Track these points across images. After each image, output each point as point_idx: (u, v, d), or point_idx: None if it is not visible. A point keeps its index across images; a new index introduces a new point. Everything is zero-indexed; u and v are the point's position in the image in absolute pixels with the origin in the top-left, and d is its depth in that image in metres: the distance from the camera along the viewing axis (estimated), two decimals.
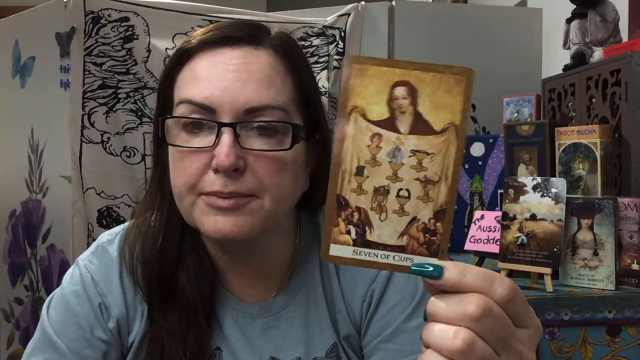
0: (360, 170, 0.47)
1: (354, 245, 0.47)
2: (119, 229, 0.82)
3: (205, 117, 0.69)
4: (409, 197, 0.47)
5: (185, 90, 0.71)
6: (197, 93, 0.69)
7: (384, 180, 0.47)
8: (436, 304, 0.45)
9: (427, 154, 0.46)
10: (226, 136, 0.67)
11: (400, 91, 0.46)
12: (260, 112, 0.69)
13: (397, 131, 0.46)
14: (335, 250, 0.48)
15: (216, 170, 0.68)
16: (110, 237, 0.81)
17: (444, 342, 0.43)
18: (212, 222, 0.69)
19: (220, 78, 0.69)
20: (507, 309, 0.44)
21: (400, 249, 0.47)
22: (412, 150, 0.46)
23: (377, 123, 0.46)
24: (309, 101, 0.75)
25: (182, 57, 0.73)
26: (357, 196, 0.47)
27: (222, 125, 0.67)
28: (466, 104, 0.45)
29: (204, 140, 0.69)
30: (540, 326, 0.47)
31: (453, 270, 0.44)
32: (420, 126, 0.46)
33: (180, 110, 0.71)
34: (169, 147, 0.72)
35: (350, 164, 0.47)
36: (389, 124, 0.46)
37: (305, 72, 0.76)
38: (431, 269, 0.45)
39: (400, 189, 0.47)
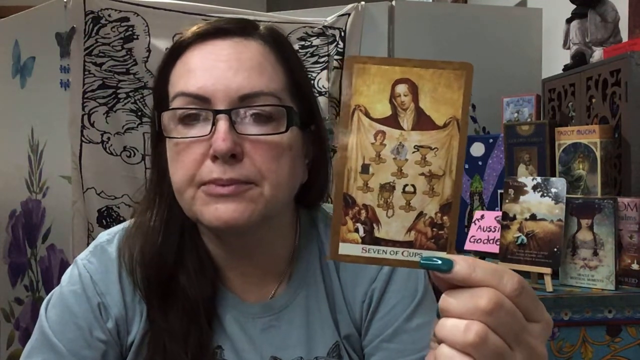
0: (365, 168, 0.47)
1: (362, 242, 0.48)
2: (117, 228, 0.82)
3: (200, 107, 0.69)
4: (414, 193, 0.47)
5: (179, 83, 0.72)
6: (191, 84, 0.70)
7: (390, 176, 0.47)
8: (448, 299, 0.45)
9: (431, 148, 0.47)
10: (222, 123, 0.68)
11: (401, 88, 0.46)
12: (254, 99, 0.69)
13: (400, 128, 0.47)
14: (344, 249, 0.48)
15: (214, 158, 0.68)
16: (109, 237, 0.81)
17: (456, 337, 0.43)
18: (213, 210, 0.69)
19: (213, 68, 0.70)
20: (518, 303, 0.45)
21: (409, 244, 0.47)
22: (415, 145, 0.47)
23: (380, 121, 0.47)
24: (302, 91, 0.76)
25: (174, 53, 0.74)
26: (363, 194, 0.47)
27: (216, 112, 0.68)
28: (466, 98, 0.46)
29: (201, 130, 0.69)
30: (550, 321, 0.47)
31: (463, 264, 0.45)
32: (423, 122, 0.47)
33: (175, 104, 0.71)
34: (167, 143, 0.73)
35: (356, 162, 0.47)
36: (392, 121, 0.47)
37: (296, 63, 0.77)
38: (440, 262, 0.45)
39: (406, 185, 0.47)
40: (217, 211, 0.69)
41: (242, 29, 0.73)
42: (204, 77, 0.70)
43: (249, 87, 0.69)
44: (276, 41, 0.75)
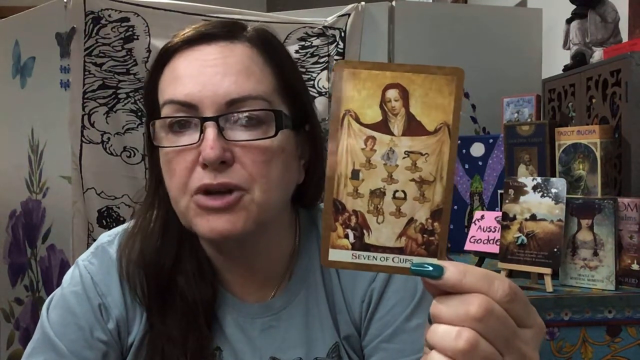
0: (355, 174, 0.47)
1: (352, 249, 0.47)
2: (118, 229, 0.82)
3: (188, 115, 0.69)
4: (405, 199, 0.47)
5: (167, 91, 0.71)
6: (179, 92, 0.70)
7: (380, 182, 0.47)
8: (439, 306, 0.45)
9: (421, 154, 0.46)
10: (210, 130, 0.67)
11: (392, 93, 0.46)
12: (242, 104, 0.69)
13: (391, 133, 0.46)
14: (334, 255, 0.48)
15: (204, 166, 0.68)
16: (110, 238, 0.81)
17: (447, 343, 0.43)
18: (206, 222, 0.69)
19: (199, 74, 0.69)
20: (509, 309, 0.45)
21: (399, 250, 0.47)
22: (406, 151, 0.46)
23: (371, 126, 0.47)
24: (293, 91, 0.75)
25: (162, 60, 0.74)
26: (353, 200, 0.47)
27: (204, 120, 0.68)
28: (457, 103, 0.46)
29: (190, 138, 0.69)
30: (543, 326, 0.47)
31: (453, 270, 0.44)
32: (413, 127, 0.46)
33: (164, 112, 0.71)
34: (160, 152, 0.73)
35: (346, 167, 0.47)
36: (382, 126, 0.46)
37: (286, 62, 0.76)
38: (431, 269, 0.45)
39: (396, 191, 0.47)
40: (209, 223, 0.69)
41: (228, 33, 0.73)
42: (191, 84, 0.69)
43: (237, 91, 0.69)
44: (264, 42, 0.74)
